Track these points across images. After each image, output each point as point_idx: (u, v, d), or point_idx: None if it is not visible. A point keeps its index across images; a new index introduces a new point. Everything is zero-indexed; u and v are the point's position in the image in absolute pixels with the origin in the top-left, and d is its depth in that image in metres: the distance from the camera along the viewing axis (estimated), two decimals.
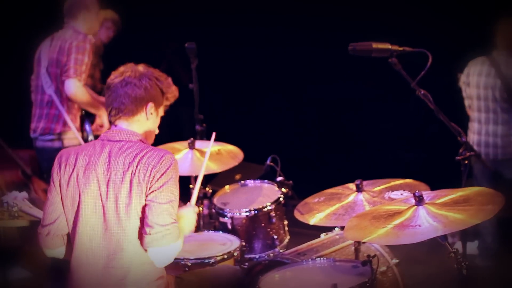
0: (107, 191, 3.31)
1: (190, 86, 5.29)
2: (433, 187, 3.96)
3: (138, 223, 3.30)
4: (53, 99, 5.38)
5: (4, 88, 7.34)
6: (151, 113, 3.46)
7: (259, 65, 7.23)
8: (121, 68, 3.47)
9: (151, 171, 3.28)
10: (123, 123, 3.44)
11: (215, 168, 4.87)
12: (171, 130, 5.72)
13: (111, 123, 3.48)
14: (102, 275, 3.35)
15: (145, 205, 3.28)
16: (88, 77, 6.65)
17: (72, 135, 5.47)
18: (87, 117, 5.63)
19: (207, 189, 5.12)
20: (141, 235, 3.29)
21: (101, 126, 5.69)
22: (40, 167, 5.98)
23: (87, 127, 5.61)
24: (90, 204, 3.35)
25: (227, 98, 7.42)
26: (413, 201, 3.39)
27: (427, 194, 3.47)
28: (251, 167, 6.42)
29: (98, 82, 6.71)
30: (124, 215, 3.30)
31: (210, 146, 4.05)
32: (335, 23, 6.52)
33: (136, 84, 3.39)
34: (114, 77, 3.44)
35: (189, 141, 4.94)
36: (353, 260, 3.97)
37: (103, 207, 3.32)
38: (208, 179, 5.32)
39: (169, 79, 3.53)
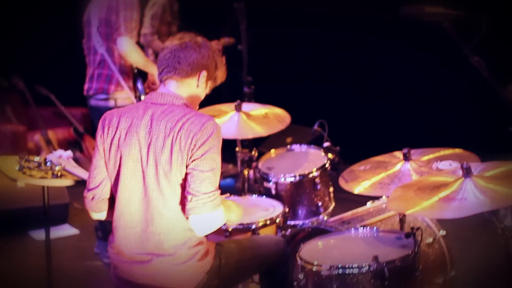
0: (147, 155, 3.27)
1: (238, 48, 5.20)
2: (484, 159, 3.81)
3: (178, 190, 3.26)
4: (105, 58, 5.34)
5: (57, 45, 7.36)
6: (202, 82, 3.42)
7: (310, 28, 7.07)
8: (180, 35, 3.44)
9: (192, 138, 3.22)
10: (172, 84, 3.39)
11: (262, 131, 4.79)
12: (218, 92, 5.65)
13: (161, 81, 3.43)
14: (141, 238, 3.33)
15: (187, 173, 3.24)
16: (165, 35, 6.61)
17: (125, 95, 5.45)
18: (139, 75, 5.60)
19: (253, 152, 5.04)
20: (183, 202, 3.26)
21: (153, 83, 5.65)
22: (92, 125, 6.00)
23: (139, 85, 5.58)
24: (130, 167, 3.31)
25: (276, 60, 7.29)
26: (461, 172, 3.26)
27: (476, 166, 3.34)
28: (301, 130, 6.32)
29: None
30: (164, 181, 3.25)
31: None
32: None
33: (196, 50, 3.37)
34: (172, 41, 3.42)
35: (235, 103, 4.86)
36: (397, 231, 3.86)
37: (143, 171, 3.29)
38: (257, 142, 5.25)
39: (224, 58, 3.52)
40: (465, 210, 3.00)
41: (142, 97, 5.53)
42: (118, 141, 3.33)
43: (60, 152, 4.38)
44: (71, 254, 5.79)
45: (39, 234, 5.91)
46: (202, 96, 3.49)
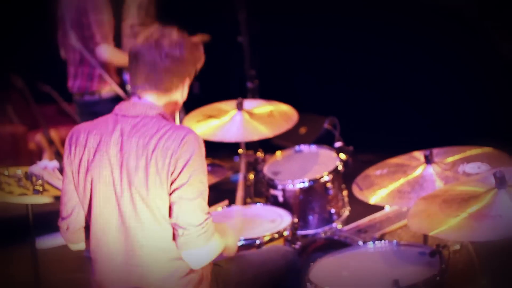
0: (120, 178, 2.84)
1: (239, 39, 4.76)
2: None
3: (159, 216, 2.83)
4: (84, 56, 4.98)
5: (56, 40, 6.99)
6: (186, 89, 2.99)
7: (318, 16, 6.60)
8: (150, 32, 2.93)
9: (171, 158, 2.77)
10: (151, 97, 2.92)
11: (266, 132, 4.34)
12: (219, 88, 5.20)
13: (134, 94, 2.95)
14: (122, 272, 2.91)
15: (172, 202, 2.80)
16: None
17: (109, 89, 5.13)
18: (125, 68, 5.21)
19: (258, 153, 4.59)
20: (165, 230, 2.84)
21: None
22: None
23: (125, 77, 5.22)
24: (102, 192, 2.88)
25: (281, 52, 6.82)
26: (493, 180, 2.80)
27: (509, 172, 2.87)
28: (314, 119, 5.91)
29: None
30: (142, 207, 2.82)
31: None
32: None
33: (178, 58, 2.88)
34: (149, 46, 2.88)
35: (237, 101, 4.41)
36: (420, 244, 3.39)
37: (116, 196, 2.85)
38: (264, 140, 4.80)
39: (201, 45, 3.02)
40: (500, 231, 2.54)
41: (129, 87, 5.16)
42: (87, 162, 2.89)
43: (45, 162, 4.01)
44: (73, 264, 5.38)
45: (44, 242, 5.50)
46: (184, 98, 3.04)
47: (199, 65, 3.01)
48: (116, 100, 4.87)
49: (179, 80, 2.92)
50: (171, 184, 2.78)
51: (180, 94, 2.97)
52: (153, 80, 2.89)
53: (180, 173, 2.77)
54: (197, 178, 2.79)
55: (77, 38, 4.98)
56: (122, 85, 5.19)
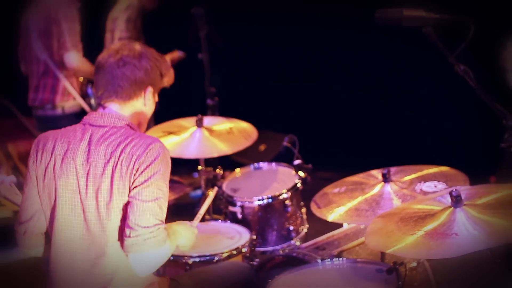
0: (86, 185, 2.85)
1: (199, 56, 4.77)
2: (472, 177, 3.42)
3: (123, 223, 2.83)
4: (49, 67, 4.95)
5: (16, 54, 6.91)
6: (149, 99, 3.03)
7: (279, 34, 6.63)
8: (115, 46, 3.02)
9: (134, 163, 2.80)
10: (114, 106, 2.97)
11: (226, 149, 4.36)
12: (178, 105, 5.20)
13: (100, 105, 3.00)
14: (83, 282, 2.90)
15: (127, 202, 2.81)
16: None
17: (72, 103, 5.08)
18: (89, 81, 5.19)
19: (217, 170, 4.59)
20: (121, 237, 2.83)
21: None
22: None
23: (89, 90, 5.19)
24: (68, 199, 2.88)
25: (241, 70, 6.84)
26: (449, 198, 2.84)
27: (465, 191, 2.92)
28: (274, 136, 5.93)
29: None
30: (105, 214, 2.83)
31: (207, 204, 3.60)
32: None
33: (136, 65, 2.96)
34: (108, 56, 2.98)
35: (196, 118, 4.41)
36: (377, 262, 3.43)
37: (82, 203, 2.86)
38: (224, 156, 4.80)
39: (168, 61, 3.13)
40: (456, 249, 2.57)
41: (92, 101, 5.16)
42: (53, 169, 2.90)
43: (2, 177, 3.96)
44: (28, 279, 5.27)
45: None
46: (150, 113, 3.09)
47: (166, 79, 3.08)
48: (80, 115, 4.83)
49: (137, 87, 2.97)
50: (131, 185, 2.81)
51: (142, 103, 3.00)
52: (112, 87, 2.94)
53: (140, 174, 2.80)
54: (155, 183, 2.81)
55: (43, 48, 4.94)
56: (86, 98, 5.16)
